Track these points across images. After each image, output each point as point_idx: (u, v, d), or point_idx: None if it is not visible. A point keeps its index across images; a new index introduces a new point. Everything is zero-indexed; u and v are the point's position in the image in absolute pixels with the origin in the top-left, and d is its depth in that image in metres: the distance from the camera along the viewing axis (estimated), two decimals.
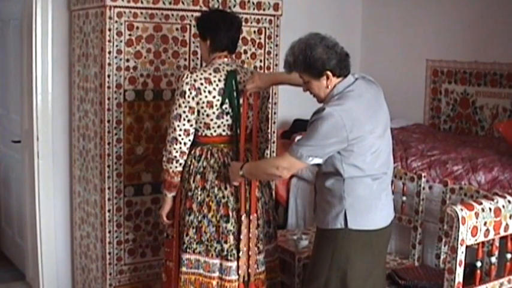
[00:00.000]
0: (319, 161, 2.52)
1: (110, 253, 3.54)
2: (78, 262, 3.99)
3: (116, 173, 3.49)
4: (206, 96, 2.85)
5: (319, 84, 2.56)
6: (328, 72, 2.52)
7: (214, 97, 2.86)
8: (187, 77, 2.86)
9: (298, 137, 2.71)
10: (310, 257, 2.85)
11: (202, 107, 2.86)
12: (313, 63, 2.51)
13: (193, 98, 2.85)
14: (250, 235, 2.89)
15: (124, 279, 3.61)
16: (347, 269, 2.56)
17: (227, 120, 2.90)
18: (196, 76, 2.86)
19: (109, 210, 3.50)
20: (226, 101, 2.88)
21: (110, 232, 3.52)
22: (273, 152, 3.96)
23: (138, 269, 3.65)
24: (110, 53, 3.39)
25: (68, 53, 3.94)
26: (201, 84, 2.85)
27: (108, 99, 3.42)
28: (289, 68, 2.60)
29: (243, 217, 2.87)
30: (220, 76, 2.89)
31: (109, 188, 3.49)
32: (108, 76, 3.41)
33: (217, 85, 2.87)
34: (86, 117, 3.70)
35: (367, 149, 2.51)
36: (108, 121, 3.44)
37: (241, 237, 2.87)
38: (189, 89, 2.84)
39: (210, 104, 2.86)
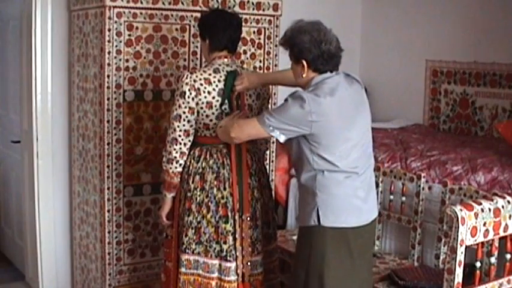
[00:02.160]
0: (280, 137, 2.54)
1: (109, 253, 3.54)
2: (78, 262, 3.99)
3: (116, 173, 3.49)
4: (206, 97, 2.85)
5: (296, 68, 2.62)
6: (304, 62, 2.56)
7: (213, 98, 2.86)
8: (186, 78, 2.86)
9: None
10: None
11: (201, 108, 2.86)
12: (293, 46, 2.57)
13: (192, 99, 2.85)
14: (243, 235, 2.89)
15: (123, 279, 3.61)
16: (323, 268, 2.54)
17: None
18: (196, 77, 2.86)
19: (108, 211, 3.50)
20: (226, 101, 2.88)
21: (109, 232, 3.52)
22: (273, 152, 3.96)
23: (138, 269, 3.65)
24: (109, 53, 3.39)
25: (68, 53, 3.94)
26: (201, 84, 2.85)
27: (108, 99, 3.42)
28: (280, 40, 2.67)
29: (236, 216, 2.87)
30: (220, 77, 2.89)
31: (108, 188, 3.49)
32: (108, 76, 3.41)
33: (216, 86, 2.87)
34: (86, 118, 3.70)
35: (337, 143, 2.51)
36: (108, 121, 3.44)
37: (236, 236, 2.87)
38: (188, 90, 2.84)
39: (210, 105, 2.86)
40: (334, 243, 2.55)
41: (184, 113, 2.85)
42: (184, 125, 2.86)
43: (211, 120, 2.88)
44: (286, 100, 2.54)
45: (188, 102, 2.85)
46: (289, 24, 2.64)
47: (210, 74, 2.88)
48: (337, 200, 2.55)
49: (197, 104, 2.86)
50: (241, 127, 2.68)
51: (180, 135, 2.87)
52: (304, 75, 2.59)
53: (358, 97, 2.66)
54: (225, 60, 2.94)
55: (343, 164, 2.53)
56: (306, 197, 2.60)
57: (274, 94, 3.88)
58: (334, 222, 2.54)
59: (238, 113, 2.84)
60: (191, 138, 2.90)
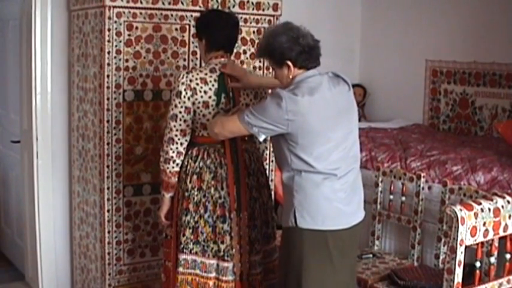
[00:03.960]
0: (259, 135, 2.54)
1: (109, 253, 3.54)
2: (78, 262, 3.99)
3: (115, 173, 3.49)
4: (202, 97, 2.86)
5: (281, 72, 2.60)
6: (289, 62, 2.54)
7: (210, 97, 2.86)
8: (183, 77, 2.86)
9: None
10: None
11: (198, 107, 2.86)
12: (273, 51, 2.56)
13: (189, 98, 2.85)
14: (241, 233, 2.89)
15: (123, 279, 3.61)
16: (301, 270, 2.52)
17: None
18: (192, 76, 2.87)
19: (108, 211, 3.50)
20: (223, 100, 2.88)
21: (109, 232, 3.52)
22: (273, 151, 3.95)
23: (137, 269, 3.64)
24: (109, 53, 3.39)
25: (67, 53, 3.94)
26: (197, 84, 2.85)
27: (108, 99, 3.42)
28: (258, 52, 2.69)
29: (233, 215, 2.87)
30: (217, 76, 2.89)
31: (108, 188, 3.48)
32: (108, 76, 3.41)
33: (213, 85, 2.87)
34: (85, 117, 3.70)
35: (315, 144, 2.48)
36: (108, 121, 3.44)
37: (233, 235, 2.87)
38: (184, 89, 2.85)
39: (206, 104, 2.86)
40: (312, 245, 2.52)
41: (180, 112, 2.86)
42: (180, 125, 2.86)
43: (208, 120, 2.88)
44: (265, 98, 2.56)
45: (184, 102, 2.85)
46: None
47: (206, 74, 2.89)
48: (314, 202, 2.51)
49: (193, 103, 2.86)
50: (223, 123, 2.67)
51: (176, 135, 2.87)
52: (291, 76, 2.57)
53: (343, 98, 2.60)
54: (222, 59, 2.94)
55: (321, 166, 2.50)
56: (287, 197, 2.59)
57: None
58: (311, 224, 2.51)
59: (234, 110, 2.83)
60: (188, 137, 2.90)
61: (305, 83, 2.53)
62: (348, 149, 2.57)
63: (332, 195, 2.53)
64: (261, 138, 2.56)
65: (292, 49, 2.53)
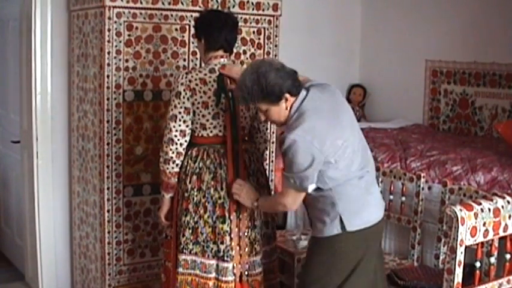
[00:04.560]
0: (314, 185, 2.53)
1: (109, 253, 3.54)
2: (78, 262, 3.99)
3: (115, 173, 3.49)
4: (201, 97, 2.85)
5: (278, 109, 2.55)
6: (287, 95, 2.52)
7: (209, 97, 2.86)
8: (182, 78, 2.86)
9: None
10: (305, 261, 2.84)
11: (197, 108, 2.86)
12: (270, 91, 2.49)
13: (188, 99, 2.85)
14: (241, 234, 2.89)
15: (123, 279, 3.61)
16: (351, 273, 2.57)
17: (223, 121, 2.90)
18: (192, 77, 2.86)
19: (108, 211, 3.50)
20: (222, 101, 2.87)
21: (109, 232, 3.52)
22: (272, 152, 3.96)
23: (137, 270, 3.64)
24: (109, 53, 3.39)
25: (67, 53, 3.94)
26: (196, 84, 2.85)
27: (108, 99, 3.42)
28: (246, 101, 2.58)
29: (232, 216, 2.87)
30: (216, 76, 2.89)
31: (108, 189, 3.48)
32: (108, 76, 3.41)
33: (212, 85, 2.87)
34: (85, 118, 3.70)
35: (342, 154, 2.51)
36: (108, 121, 3.44)
37: (232, 236, 2.87)
38: (184, 90, 2.84)
39: (206, 105, 2.86)
40: (357, 246, 2.58)
41: (180, 113, 2.85)
42: (180, 125, 2.86)
43: (207, 120, 2.87)
44: (284, 154, 2.49)
45: (184, 103, 2.85)
46: (238, 86, 2.55)
47: (205, 74, 2.88)
48: (357, 203, 2.57)
49: (193, 104, 2.85)
50: (284, 203, 2.63)
51: (176, 136, 2.87)
52: (288, 107, 2.55)
53: (333, 99, 2.63)
54: (221, 60, 2.94)
55: (354, 170, 2.56)
56: (324, 208, 2.58)
57: None
58: (358, 225, 2.56)
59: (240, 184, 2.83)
60: (187, 138, 2.90)
61: (304, 107, 2.52)
62: (362, 146, 2.63)
63: (369, 190, 2.62)
64: (313, 187, 2.54)
65: (285, 80, 2.50)
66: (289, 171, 2.52)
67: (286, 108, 2.55)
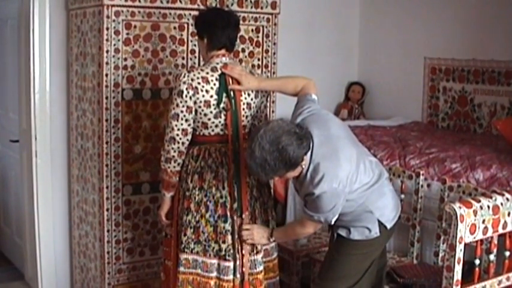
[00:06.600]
0: (335, 216, 2.62)
1: (108, 252, 3.54)
2: (77, 261, 3.99)
3: (114, 172, 3.49)
4: (203, 96, 2.84)
5: (294, 172, 2.58)
6: (305, 156, 2.54)
7: (211, 96, 2.85)
8: (184, 76, 2.85)
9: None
10: (326, 257, 2.91)
11: (199, 107, 2.85)
12: (294, 163, 2.50)
13: (190, 98, 2.84)
14: (242, 234, 2.89)
15: (123, 278, 3.61)
16: (383, 270, 2.87)
17: (225, 120, 2.89)
18: (194, 75, 2.85)
19: (107, 209, 3.50)
20: (224, 100, 2.87)
21: (108, 231, 3.52)
22: None
23: (137, 268, 3.65)
24: (107, 52, 3.39)
25: (66, 52, 3.94)
26: (198, 83, 2.84)
27: (106, 98, 3.42)
28: (267, 177, 2.61)
29: (235, 216, 2.87)
30: (218, 75, 2.88)
31: (107, 187, 3.48)
32: (106, 75, 3.41)
33: (214, 84, 2.86)
34: (84, 116, 3.70)
35: (362, 172, 2.61)
36: (106, 120, 3.44)
37: (235, 235, 2.87)
38: (186, 89, 2.83)
39: (208, 103, 2.85)
40: (382, 243, 2.79)
41: (182, 112, 2.84)
42: (182, 124, 2.86)
43: (209, 119, 2.87)
44: (313, 199, 2.53)
45: (186, 101, 2.84)
46: (255, 163, 2.49)
47: (207, 73, 2.87)
48: (389, 202, 2.73)
49: (195, 102, 2.85)
50: (303, 232, 2.83)
51: (178, 134, 2.86)
52: (307, 164, 2.56)
53: (332, 126, 2.66)
54: (223, 58, 2.93)
55: (375, 175, 2.67)
56: (357, 217, 2.68)
57: (273, 92, 3.88)
58: (391, 222, 2.73)
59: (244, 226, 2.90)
60: (189, 137, 2.89)
61: (316, 157, 2.53)
62: (367, 151, 2.81)
63: (389, 183, 2.81)
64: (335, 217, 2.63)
65: (300, 147, 2.49)
66: (313, 211, 2.60)
67: (303, 167, 2.57)
